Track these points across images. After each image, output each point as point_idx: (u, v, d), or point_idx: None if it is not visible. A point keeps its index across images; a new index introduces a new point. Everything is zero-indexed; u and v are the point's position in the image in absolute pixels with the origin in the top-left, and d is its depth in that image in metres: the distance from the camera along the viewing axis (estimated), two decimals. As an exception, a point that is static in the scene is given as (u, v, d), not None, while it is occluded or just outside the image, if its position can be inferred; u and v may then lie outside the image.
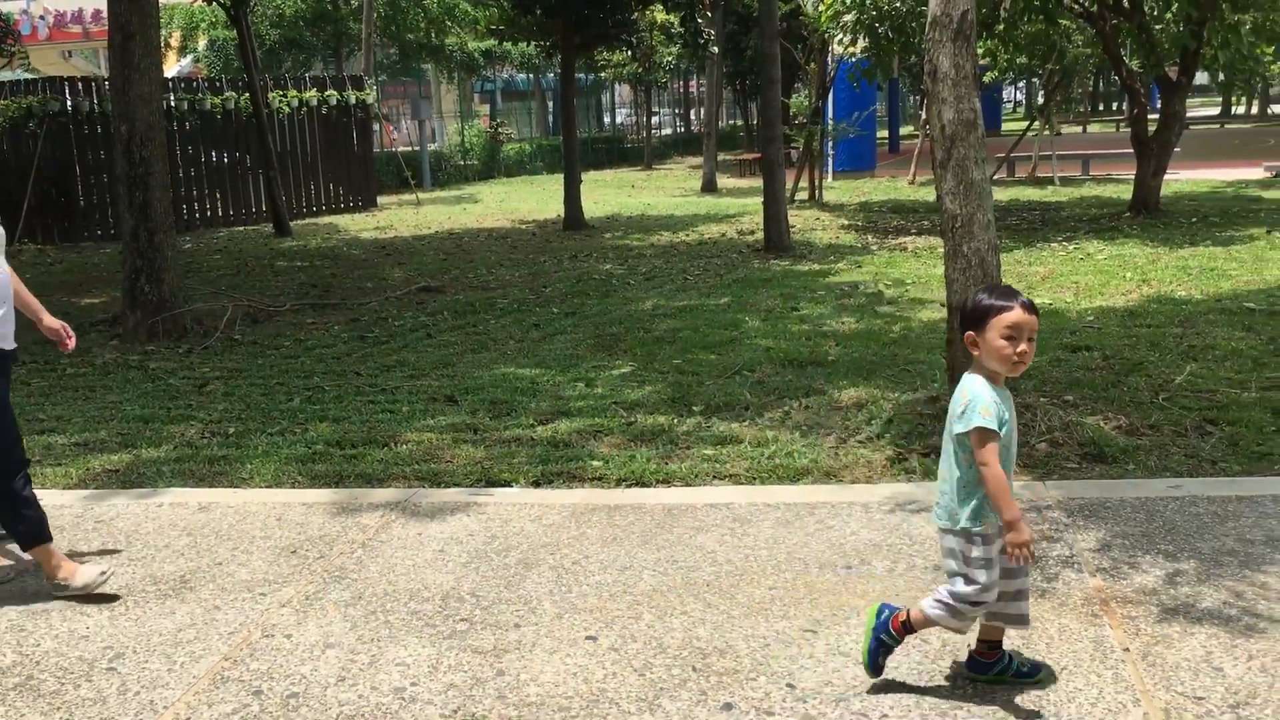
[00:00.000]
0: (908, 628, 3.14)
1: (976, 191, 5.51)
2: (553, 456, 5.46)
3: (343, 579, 4.06)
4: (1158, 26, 13.28)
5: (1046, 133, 20.79)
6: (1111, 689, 3.08)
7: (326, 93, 20.63)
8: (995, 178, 20.62)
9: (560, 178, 16.87)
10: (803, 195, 18.79)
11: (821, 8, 14.34)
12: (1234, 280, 9.22)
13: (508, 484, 5.13)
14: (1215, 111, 45.25)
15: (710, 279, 10.94)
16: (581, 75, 34.52)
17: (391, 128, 32.42)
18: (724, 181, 23.91)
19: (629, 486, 5.04)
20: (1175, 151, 15.46)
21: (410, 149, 28.09)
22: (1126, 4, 13.37)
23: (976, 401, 2.95)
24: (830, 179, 22.02)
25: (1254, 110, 44.61)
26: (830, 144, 21.15)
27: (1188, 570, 3.81)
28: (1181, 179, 18.52)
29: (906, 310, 8.85)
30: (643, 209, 18.91)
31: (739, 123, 38.55)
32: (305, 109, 20.28)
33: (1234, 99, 43.87)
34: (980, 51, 16.95)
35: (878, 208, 17.21)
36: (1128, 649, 3.29)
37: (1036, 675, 3.14)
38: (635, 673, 3.29)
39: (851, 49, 15.37)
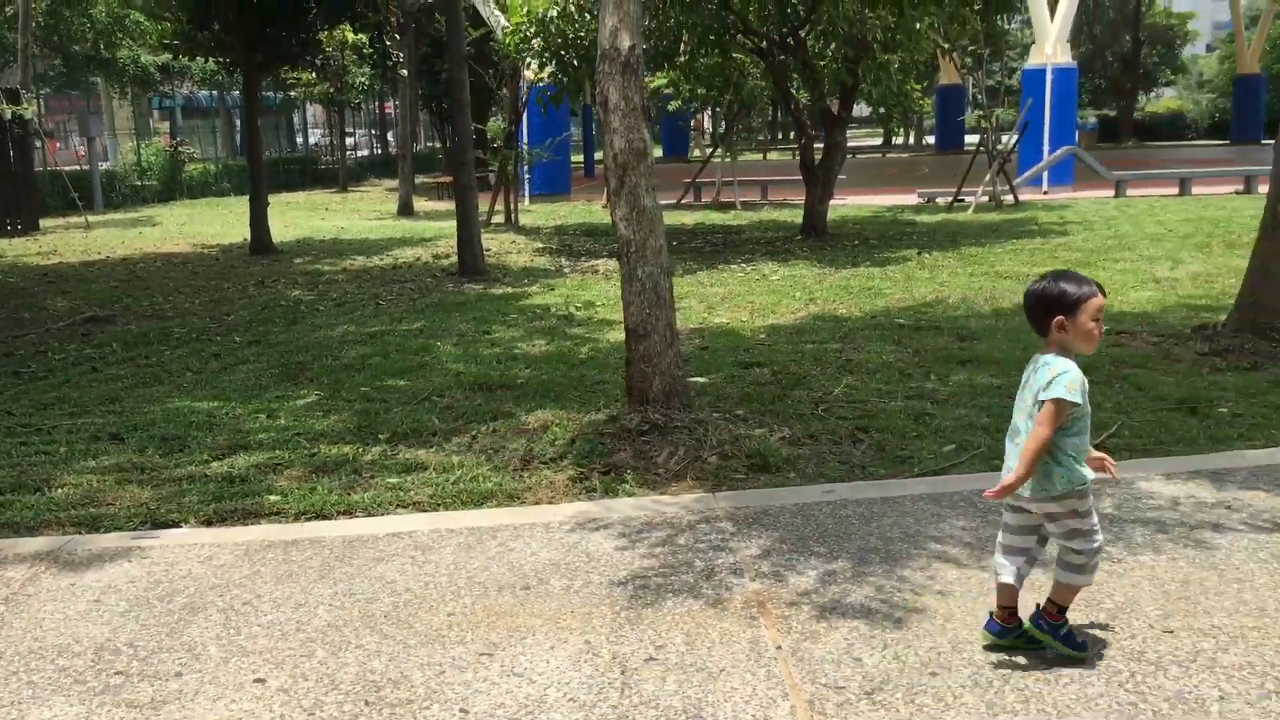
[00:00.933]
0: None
1: (648, 218, 5.77)
2: (227, 493, 5.24)
3: (-19, 640, 3.72)
4: (821, 63, 14.34)
5: (728, 159, 21.94)
6: (764, 686, 3.30)
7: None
8: (683, 202, 21.58)
9: (248, 200, 16.17)
10: (499, 219, 18.91)
11: (508, 33, 14.52)
12: (888, 298, 10.08)
13: (176, 525, 4.87)
14: (879, 142, 49.28)
15: (403, 304, 10.82)
16: (270, 94, 33.26)
17: (57, 144, 30.00)
18: (421, 204, 23.68)
19: (309, 520, 4.91)
20: (841, 179, 16.73)
21: (79, 168, 26.09)
22: (792, 42, 14.36)
23: (1065, 375, 3.24)
24: (527, 202, 22.31)
25: (911, 141, 48.90)
26: (526, 168, 21.42)
27: (836, 570, 4.13)
28: (848, 204, 20.06)
29: (595, 331, 9.10)
30: (336, 233, 18.44)
31: (437, 145, 38.31)
32: (-49, 123, 18.44)
33: (893, 130, 47.94)
34: (664, 81, 17.73)
35: (572, 231, 17.59)
36: (780, 647, 3.53)
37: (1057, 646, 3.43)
38: (305, 712, 3.20)
39: (540, 75, 15.63)
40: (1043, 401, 3.25)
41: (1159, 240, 13.39)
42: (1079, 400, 3.25)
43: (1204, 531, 4.37)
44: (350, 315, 10.26)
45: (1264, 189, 7.45)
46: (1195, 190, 19.92)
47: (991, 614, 3.48)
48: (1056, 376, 3.24)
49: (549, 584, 4.07)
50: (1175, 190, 20.09)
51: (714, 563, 4.22)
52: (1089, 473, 3.34)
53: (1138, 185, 20.60)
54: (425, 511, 4.95)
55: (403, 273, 13.19)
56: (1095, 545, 3.38)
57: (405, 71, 21.28)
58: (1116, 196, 19.66)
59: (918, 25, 13.19)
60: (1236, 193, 19.54)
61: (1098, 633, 3.55)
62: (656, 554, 4.33)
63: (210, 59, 16.63)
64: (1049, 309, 3.33)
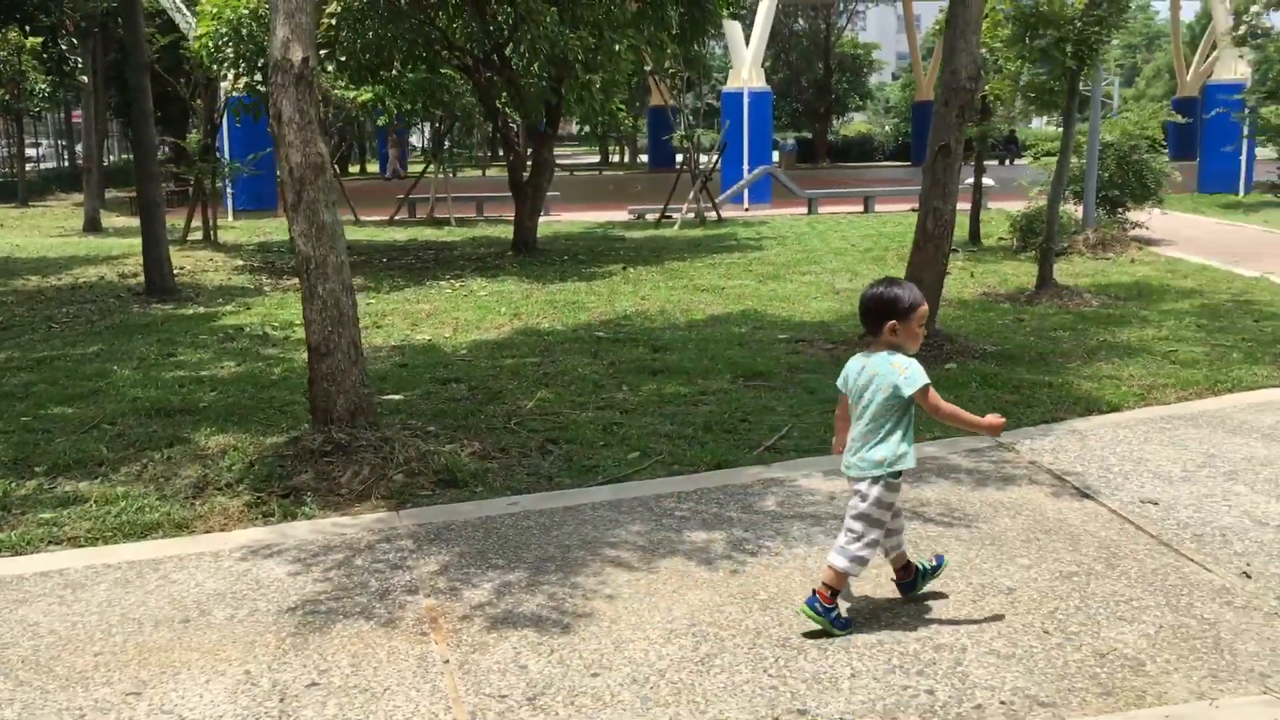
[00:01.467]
0: (834, 591, 3.66)
1: (328, 234, 5.65)
2: None
3: None
4: (526, 81, 14.49)
5: (443, 175, 21.80)
6: (428, 701, 3.29)
7: None
8: (397, 218, 21.25)
9: (-101, 215, 14.63)
10: (197, 235, 17.97)
11: (198, 39, 13.84)
12: (590, 312, 10.30)
13: None
14: (596, 159, 50.29)
15: (80, 326, 10.08)
16: (-66, 98, 30.21)
17: None
18: (112, 220, 22.13)
19: (-56, 564, 4.48)
20: (554, 195, 16.98)
21: None
22: (497, 59, 14.44)
23: (915, 365, 3.63)
24: (230, 218, 21.32)
25: (627, 159, 50.22)
26: (227, 182, 20.46)
27: (513, 580, 4.18)
28: (563, 220, 20.33)
29: (291, 352, 8.79)
30: (9, 250, 16.95)
31: (131, 157, 35.97)
32: None
33: (609, 149, 49.12)
34: (369, 96, 17.41)
35: (277, 248, 16.93)
36: (448, 661, 3.54)
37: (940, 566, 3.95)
38: (-85, 775, 2.93)
39: (237, 85, 14.99)
40: (910, 396, 3.60)
41: (842, 254, 14.35)
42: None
43: (854, 523, 4.71)
44: (16, 339, 9.46)
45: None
46: (878, 207, 21.47)
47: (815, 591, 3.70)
48: (909, 368, 3.62)
49: (211, 615, 3.90)
50: (860, 207, 21.60)
51: (389, 582, 4.18)
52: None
53: (828, 203, 22.01)
54: (81, 547, 4.63)
55: (83, 293, 12.30)
56: (872, 538, 3.67)
57: (86, 78, 19.86)
58: (809, 213, 20.92)
59: (617, 47, 13.57)
60: (912, 210, 21.18)
61: (750, 622, 3.76)
62: (330, 577, 4.24)
63: None
64: (883, 313, 3.68)
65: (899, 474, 3.69)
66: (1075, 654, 3.52)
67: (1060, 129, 12.55)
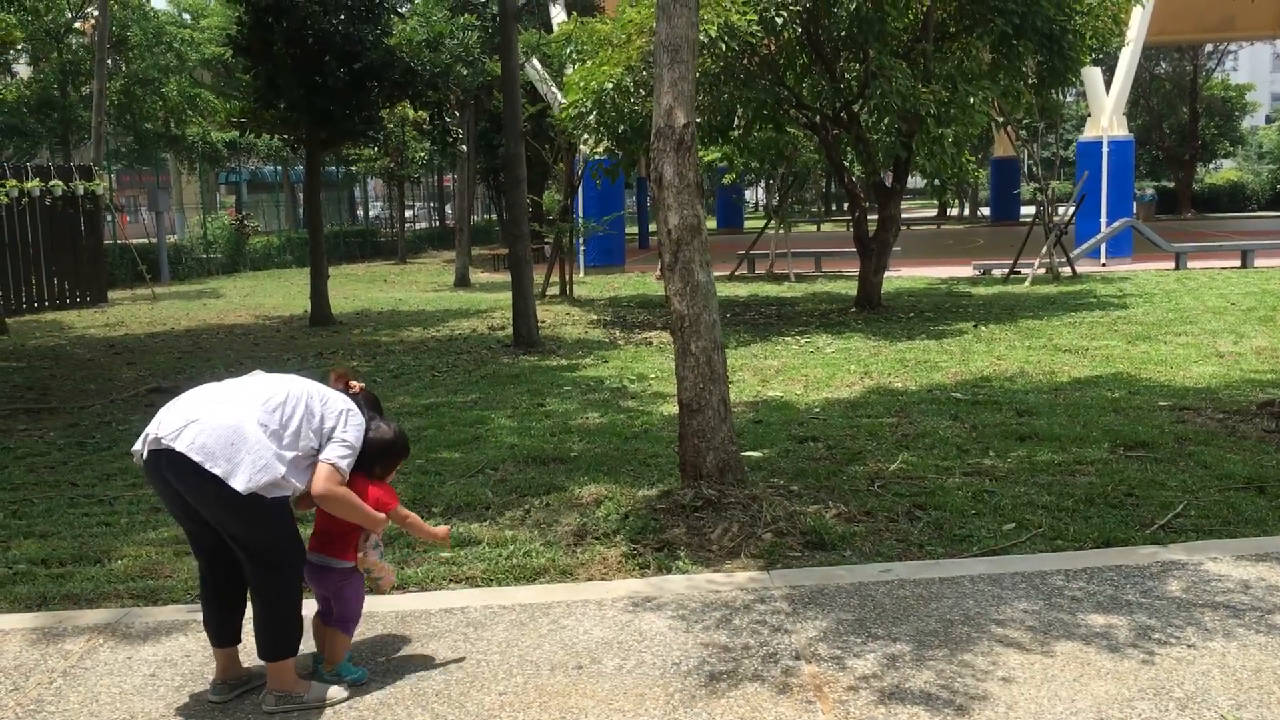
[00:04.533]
0: None
1: (702, 293, 5.78)
2: (283, 566, 5.25)
3: (39, 713, 3.75)
4: (874, 137, 14.39)
5: (782, 231, 22.03)
6: (821, 773, 3.22)
7: (51, 182, 19.46)
8: (737, 274, 21.64)
9: (309, 272, 16.49)
10: (555, 290, 19.09)
11: (564, 109, 14.76)
12: (944, 372, 9.98)
13: (232, 598, 4.89)
14: (933, 213, 49.19)
15: (458, 375, 10.90)
16: (332, 168, 34.05)
17: (127, 219, 30.88)
18: (479, 276, 24.00)
19: (362, 595, 4.90)
20: (895, 250, 16.70)
21: (147, 241, 26.80)
22: (845, 116, 14.45)
23: None
24: (582, 274, 22.51)
25: (966, 212, 48.75)
26: (581, 240, 21.64)
27: (895, 652, 4.04)
28: (903, 276, 19.97)
29: (649, 405, 9.08)
30: (394, 304, 18.71)
31: (494, 217, 38.87)
32: (26, 199, 19.04)
33: (948, 202, 47.89)
34: (718, 155, 17.91)
35: (626, 302, 17.68)
36: (838, 733, 3.45)
37: None
38: (355, 794, 3.18)
39: (596, 149, 15.85)
40: None
41: (1221, 314, 13.16)
42: None
43: (1277, 616, 4.23)
44: (406, 386, 10.36)
45: (1330, 263, 7.34)
46: (1258, 262, 19.61)
47: None
48: None
49: (602, 664, 4.02)
50: (1237, 262, 19.79)
51: (770, 644, 4.15)
52: None
53: (1198, 257, 20.34)
54: (478, 587, 4.94)
55: (459, 344, 13.32)
56: None
57: (464, 147, 21.71)
58: (1177, 269, 19.40)
59: (971, 100, 13.22)
60: (1301, 264, 19.21)
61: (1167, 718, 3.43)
62: (710, 635, 4.27)
63: (275, 136, 17.07)
64: None
65: None
66: None
67: None
